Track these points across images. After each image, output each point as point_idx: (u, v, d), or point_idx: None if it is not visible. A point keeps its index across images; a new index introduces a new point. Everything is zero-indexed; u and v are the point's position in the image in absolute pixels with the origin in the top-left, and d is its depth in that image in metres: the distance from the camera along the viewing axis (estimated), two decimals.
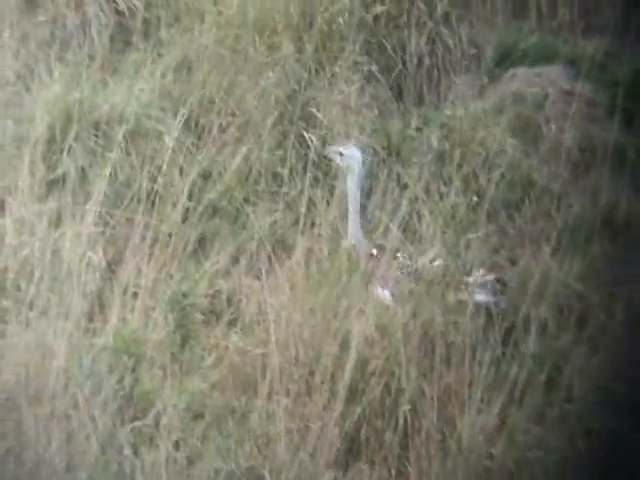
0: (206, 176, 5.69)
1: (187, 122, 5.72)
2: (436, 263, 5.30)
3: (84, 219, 5.22)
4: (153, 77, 5.72)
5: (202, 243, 5.57)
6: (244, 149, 5.72)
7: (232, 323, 5.20)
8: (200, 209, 5.57)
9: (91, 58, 5.76)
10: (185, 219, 5.48)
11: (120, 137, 5.49)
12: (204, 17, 5.88)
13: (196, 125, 5.71)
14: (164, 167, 5.54)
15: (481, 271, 5.22)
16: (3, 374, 4.63)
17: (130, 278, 5.15)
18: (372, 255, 5.34)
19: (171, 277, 5.29)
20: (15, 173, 5.27)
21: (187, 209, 5.42)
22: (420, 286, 5.10)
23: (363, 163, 5.40)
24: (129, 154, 5.61)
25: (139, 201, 5.46)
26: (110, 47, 5.88)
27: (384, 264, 5.20)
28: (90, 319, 5.07)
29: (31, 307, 4.95)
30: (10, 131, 5.40)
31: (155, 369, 4.97)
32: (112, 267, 5.30)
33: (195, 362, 5.01)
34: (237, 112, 5.78)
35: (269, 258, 5.41)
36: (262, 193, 5.70)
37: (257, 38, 5.85)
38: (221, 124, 5.77)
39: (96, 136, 5.55)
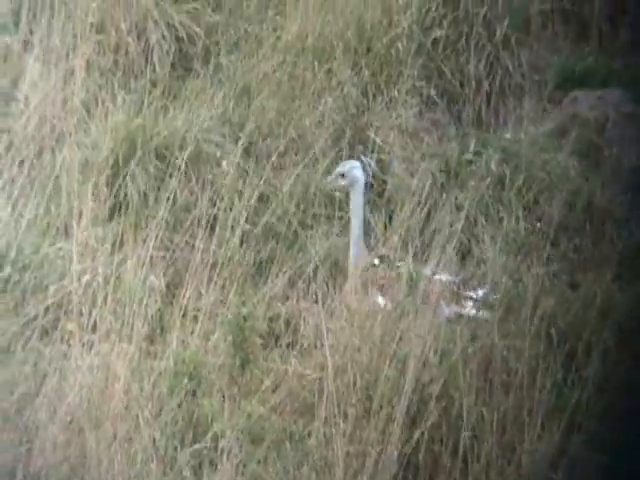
0: (264, 200, 5.82)
1: (246, 147, 5.86)
2: (437, 276, 5.34)
3: (145, 243, 5.39)
4: (213, 103, 5.86)
5: (260, 267, 5.68)
6: (301, 173, 5.86)
7: (290, 347, 5.30)
8: (258, 233, 5.71)
9: (153, 84, 5.92)
10: (243, 243, 5.61)
11: (180, 162, 5.64)
12: (263, 43, 6.01)
13: (255, 150, 5.85)
14: (223, 191, 5.70)
15: (486, 288, 5.27)
16: (67, 396, 4.78)
17: (190, 302, 5.27)
18: (374, 265, 5.42)
19: (230, 301, 5.43)
20: (80, 198, 5.44)
21: (245, 233, 5.54)
22: (418, 296, 5.11)
23: (366, 176, 5.48)
24: (189, 179, 5.75)
25: (199, 225, 5.59)
26: (171, 73, 6.03)
27: (383, 272, 5.31)
28: (151, 342, 5.20)
29: (94, 330, 5.11)
30: (76, 157, 5.56)
31: (215, 392, 5.09)
32: (172, 291, 5.43)
33: (254, 385, 5.09)
34: (295, 137, 5.89)
35: (326, 282, 5.51)
36: (319, 217, 5.80)
37: (315, 63, 5.95)
38: (279, 149, 5.90)
39: (157, 161, 5.70)
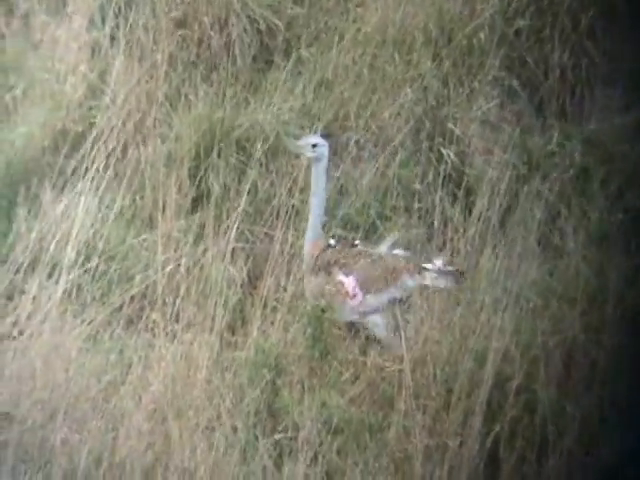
0: (342, 191, 5.86)
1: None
2: (396, 251, 5.38)
3: (226, 234, 5.48)
4: (293, 95, 5.91)
5: None
6: (380, 165, 5.87)
7: (369, 339, 5.36)
8: (336, 224, 5.75)
9: (234, 78, 5.98)
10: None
11: (260, 154, 5.72)
12: (343, 35, 6.02)
13: (333, 142, 5.88)
14: (302, 183, 5.76)
15: (441, 261, 5.25)
16: (151, 385, 4.90)
17: (270, 293, 5.35)
18: (329, 245, 5.38)
19: None
20: (164, 190, 5.56)
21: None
22: (383, 272, 5.18)
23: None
24: (269, 171, 5.82)
25: (278, 217, 5.67)
26: (252, 66, 6.08)
27: (342, 252, 5.28)
28: (232, 332, 5.30)
29: (177, 320, 5.24)
30: (159, 149, 5.69)
31: (294, 383, 5.17)
32: (253, 282, 5.52)
33: (333, 377, 5.15)
34: (374, 128, 5.90)
35: None
36: (397, 208, 5.81)
37: (395, 55, 5.95)
38: (358, 140, 5.92)
39: (238, 153, 5.78)
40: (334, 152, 5.83)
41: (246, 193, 5.53)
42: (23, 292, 4.91)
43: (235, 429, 4.88)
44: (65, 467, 4.57)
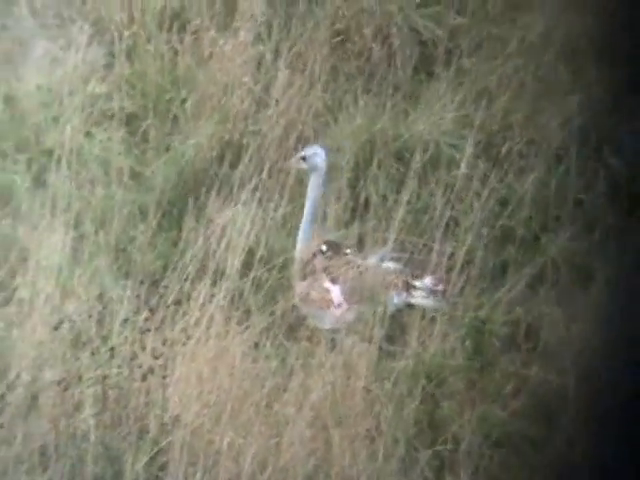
0: (503, 202, 5.83)
1: (486, 149, 5.90)
2: (385, 264, 5.30)
3: (385, 245, 5.53)
4: (453, 105, 5.93)
5: (498, 269, 5.70)
6: (542, 175, 5.82)
7: (531, 351, 5.31)
8: (496, 235, 5.72)
9: (395, 89, 6.05)
10: (481, 245, 5.63)
11: (419, 165, 5.76)
12: (507, 44, 6.00)
13: (494, 152, 5.86)
14: (462, 194, 5.75)
15: (431, 279, 5.21)
16: (312, 392, 4.99)
17: None
18: (321, 251, 5.32)
19: (468, 303, 5.47)
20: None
21: (483, 235, 5.56)
22: (370, 285, 5.12)
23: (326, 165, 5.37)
24: (427, 181, 5.86)
25: (436, 227, 5.69)
26: (413, 77, 6.14)
27: (331, 260, 5.24)
28: (391, 342, 5.35)
29: (337, 328, 5.33)
30: None
31: (454, 395, 5.17)
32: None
33: (494, 390, 5.14)
34: (537, 138, 5.85)
35: (569, 285, 5.44)
36: (561, 219, 5.73)
37: (561, 63, 5.91)
38: (520, 151, 5.88)
39: (397, 164, 5.84)
40: (493, 163, 5.86)
41: (405, 203, 5.60)
42: (191, 299, 5.09)
43: (395, 439, 4.92)
44: (231, 470, 4.71)
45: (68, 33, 5.95)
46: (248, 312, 5.28)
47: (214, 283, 5.16)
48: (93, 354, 4.87)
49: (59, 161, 5.44)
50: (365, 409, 4.99)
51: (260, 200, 5.57)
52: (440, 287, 5.21)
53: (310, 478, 4.79)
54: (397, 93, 6.02)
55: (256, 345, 5.19)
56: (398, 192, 5.72)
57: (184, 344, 4.95)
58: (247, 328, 5.15)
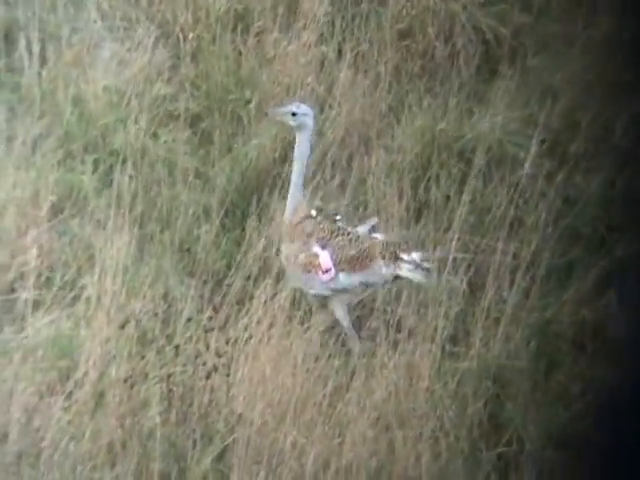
0: (568, 201, 5.78)
1: (551, 148, 5.86)
2: (374, 234, 5.23)
3: (447, 244, 5.52)
4: (518, 104, 5.90)
5: (564, 269, 5.65)
6: (609, 174, 5.75)
7: (597, 352, 5.25)
8: (562, 235, 5.67)
9: (458, 88, 6.05)
10: (546, 245, 5.59)
11: (482, 164, 5.74)
12: (573, 42, 5.96)
13: (560, 151, 5.81)
14: (526, 193, 5.71)
15: (419, 254, 5.17)
16: (375, 393, 5.00)
17: (492, 304, 5.36)
18: (310, 216, 5.23)
19: (533, 304, 5.44)
20: (386, 200, 5.68)
21: (548, 235, 5.52)
22: (359, 253, 5.07)
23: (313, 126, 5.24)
24: (491, 181, 5.83)
25: (500, 227, 5.66)
26: (476, 76, 6.13)
27: (321, 225, 5.16)
28: (454, 343, 5.34)
29: (399, 329, 5.33)
30: (382, 159, 5.81)
31: (518, 396, 5.14)
32: (474, 292, 5.53)
33: (559, 391, 5.12)
34: (603, 137, 5.81)
35: (635, 286, 5.37)
36: (629, 219, 5.66)
37: (627, 61, 5.82)
38: (586, 149, 5.83)
39: (459, 164, 5.83)
40: (559, 162, 5.81)
41: (467, 203, 5.58)
42: (253, 298, 5.14)
43: (458, 440, 4.92)
44: (294, 469, 4.74)
45: (135, 35, 6.03)
46: (310, 312, 5.34)
47: (276, 282, 5.24)
48: (158, 352, 4.95)
49: (125, 161, 5.54)
50: (428, 410, 5.00)
51: (322, 199, 5.62)
52: (427, 264, 5.17)
53: (373, 478, 4.81)
54: (460, 92, 6.01)
55: (318, 344, 5.24)
56: (461, 192, 5.70)
57: (247, 343, 5.03)
58: (309, 328, 5.20)
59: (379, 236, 5.27)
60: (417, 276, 5.13)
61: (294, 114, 5.16)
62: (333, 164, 5.75)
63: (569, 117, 5.91)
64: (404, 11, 6.02)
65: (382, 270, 5.13)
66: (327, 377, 5.01)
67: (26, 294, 5.00)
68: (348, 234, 5.16)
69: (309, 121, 5.19)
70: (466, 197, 5.60)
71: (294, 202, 5.21)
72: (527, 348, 5.22)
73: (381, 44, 5.99)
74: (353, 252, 5.12)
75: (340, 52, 6.07)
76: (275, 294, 5.09)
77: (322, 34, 6.06)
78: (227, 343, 5.05)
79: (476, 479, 4.84)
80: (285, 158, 5.72)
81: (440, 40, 6.05)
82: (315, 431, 4.81)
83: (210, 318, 5.09)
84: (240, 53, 6.05)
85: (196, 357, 4.94)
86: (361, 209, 5.72)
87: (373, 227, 5.30)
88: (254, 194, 5.64)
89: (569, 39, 5.99)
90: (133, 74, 5.80)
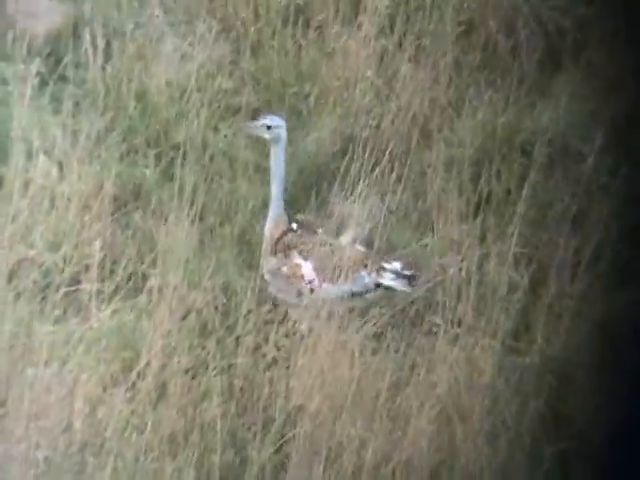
0: (632, 195, 5.69)
1: (614, 141, 5.77)
2: (356, 245, 5.25)
3: (508, 239, 5.49)
4: (581, 97, 5.84)
5: (627, 265, 5.58)
6: None
7: None
8: (624, 230, 5.59)
9: (520, 81, 6.00)
10: (608, 240, 5.52)
11: (544, 158, 5.69)
12: (637, 34, 5.85)
13: (624, 144, 5.74)
14: (586, 186, 5.65)
15: (400, 263, 5.23)
16: (435, 387, 4.99)
17: (554, 299, 5.32)
18: (292, 229, 5.23)
19: (595, 299, 5.39)
20: (445, 194, 5.67)
21: (611, 230, 5.45)
22: (341, 263, 5.11)
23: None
24: (553, 175, 5.78)
25: (562, 221, 5.60)
26: (539, 69, 6.09)
27: (303, 237, 5.19)
28: (515, 338, 5.32)
29: (459, 324, 5.31)
30: (441, 153, 5.81)
31: (580, 391, 5.08)
32: (536, 287, 5.48)
33: (620, 387, 5.04)
34: None
35: None
36: None
37: None
38: None
39: (520, 158, 5.79)
40: (623, 156, 5.73)
41: (529, 197, 5.53)
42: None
43: (520, 435, 4.89)
44: (354, 462, 4.75)
45: (196, 30, 6.08)
46: (368, 305, 5.35)
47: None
48: (219, 344, 5.01)
49: (187, 155, 5.58)
50: (489, 405, 4.99)
51: (381, 193, 5.63)
52: (408, 272, 5.21)
53: (434, 473, 4.81)
54: (522, 86, 5.97)
55: (377, 338, 5.26)
56: (522, 186, 5.65)
57: (305, 336, 5.05)
58: (368, 321, 5.21)
59: (360, 247, 5.33)
60: (399, 284, 5.20)
61: (269, 127, 5.20)
62: (391, 158, 5.75)
63: (633, 110, 5.85)
64: (465, 4, 6.01)
65: (365, 280, 5.21)
66: (385, 371, 5.02)
67: (90, 286, 5.06)
68: (330, 245, 5.24)
69: (283, 133, 5.24)
70: (527, 191, 5.57)
71: (275, 216, 5.27)
72: (589, 343, 5.18)
73: (442, 37, 5.98)
74: (336, 262, 5.18)
75: (400, 45, 6.07)
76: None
77: (383, 27, 6.07)
78: (286, 336, 5.12)
79: (537, 475, 4.80)
80: (344, 152, 5.73)
81: (502, 33, 6.03)
82: (374, 424, 4.83)
83: (269, 311, 5.15)
84: (300, 47, 6.09)
85: (256, 349, 5.00)
86: (420, 202, 5.76)
87: (355, 238, 5.36)
88: (313, 188, 5.68)
89: (633, 31, 5.92)
90: (194, 68, 5.85)
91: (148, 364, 4.87)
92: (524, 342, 5.25)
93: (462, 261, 5.52)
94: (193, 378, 4.84)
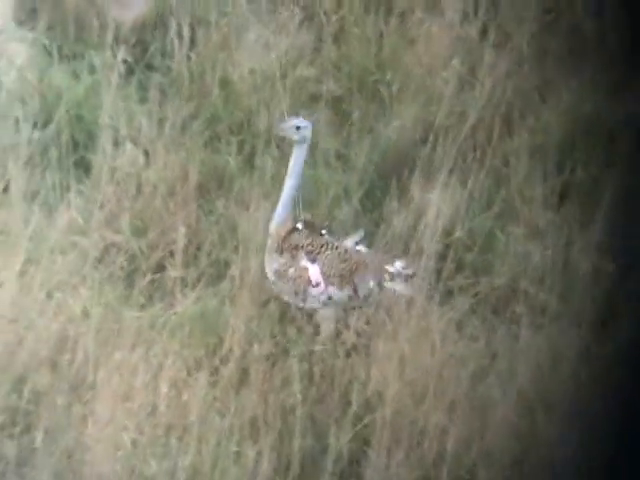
0: None
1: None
2: (358, 247, 5.19)
3: (593, 227, 5.38)
4: None
5: None
6: None
7: None
8: None
9: (605, 67, 5.88)
10: None
11: (630, 146, 5.57)
12: None
13: None
14: None
15: (402, 263, 5.21)
16: (517, 376, 4.94)
17: None
18: (297, 228, 5.15)
19: None
20: (528, 181, 5.61)
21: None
22: (347, 266, 5.10)
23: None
24: (638, 162, 5.65)
25: None
26: (626, 55, 5.92)
27: (309, 238, 5.13)
28: (601, 327, 5.21)
29: (542, 313, 5.27)
30: (525, 141, 5.75)
31: None
32: (622, 276, 5.36)
33: None
34: None
35: None
36: None
37: None
38: None
39: (606, 145, 5.69)
40: None
41: (616, 186, 5.43)
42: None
43: (603, 425, 4.81)
44: (435, 450, 4.74)
45: (279, 18, 6.12)
46: (450, 293, 5.33)
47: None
48: (299, 331, 5.06)
49: (269, 143, 5.66)
50: (573, 393, 4.92)
51: (464, 182, 5.59)
52: (409, 270, 5.17)
53: (516, 462, 4.77)
54: (608, 72, 5.86)
55: (459, 326, 5.23)
56: (607, 174, 5.60)
57: (385, 323, 5.06)
58: (450, 309, 5.18)
59: (363, 249, 5.29)
60: (401, 287, 5.17)
61: (298, 128, 5.24)
62: (474, 145, 5.71)
63: None
64: None
65: (370, 283, 5.18)
66: (467, 359, 5.01)
67: (174, 272, 5.17)
68: (336, 248, 5.21)
69: (309, 134, 5.27)
70: (614, 179, 5.50)
71: (284, 214, 5.24)
72: None
73: (526, 22, 5.90)
74: (342, 266, 5.17)
75: (484, 31, 6.00)
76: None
77: (466, 13, 6.02)
78: (367, 323, 5.13)
79: (619, 463, 4.72)
80: (426, 140, 5.72)
81: (588, 17, 5.93)
82: (456, 412, 4.81)
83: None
84: (382, 34, 6.07)
85: (336, 336, 5.03)
86: (503, 190, 5.70)
87: (358, 241, 5.31)
88: (394, 175, 5.64)
89: None
90: (277, 56, 5.89)
91: (230, 350, 4.94)
92: (610, 331, 5.19)
93: (546, 250, 5.52)
94: (274, 364, 4.90)
